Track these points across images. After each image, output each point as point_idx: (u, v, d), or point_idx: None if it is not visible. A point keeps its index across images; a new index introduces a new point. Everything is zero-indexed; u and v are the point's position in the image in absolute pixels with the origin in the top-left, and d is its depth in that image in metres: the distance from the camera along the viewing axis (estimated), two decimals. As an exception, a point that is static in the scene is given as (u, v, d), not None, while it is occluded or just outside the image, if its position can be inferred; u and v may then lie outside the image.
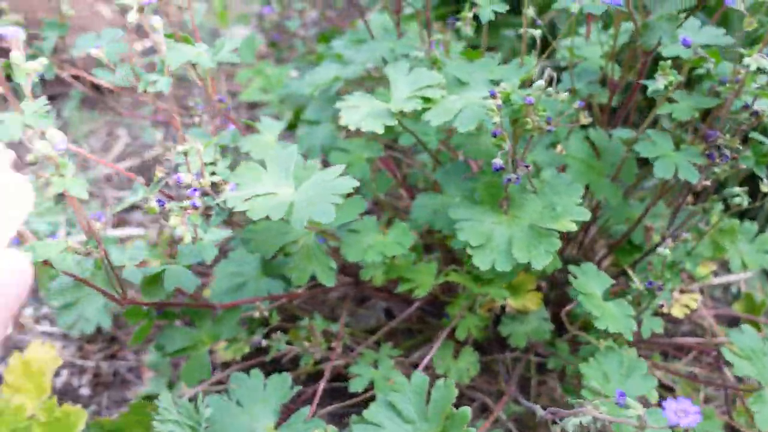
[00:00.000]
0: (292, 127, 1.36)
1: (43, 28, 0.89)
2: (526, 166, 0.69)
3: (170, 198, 0.68)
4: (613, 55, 0.85)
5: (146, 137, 1.45)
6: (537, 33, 0.76)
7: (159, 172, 0.62)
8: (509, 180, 0.69)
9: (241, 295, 0.89)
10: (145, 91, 0.66)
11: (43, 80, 0.79)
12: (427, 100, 0.74)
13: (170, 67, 0.66)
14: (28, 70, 0.36)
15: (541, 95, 0.66)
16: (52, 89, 1.54)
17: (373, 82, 1.04)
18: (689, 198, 0.90)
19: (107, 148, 1.46)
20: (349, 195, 0.65)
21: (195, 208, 0.51)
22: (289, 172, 0.68)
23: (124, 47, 0.83)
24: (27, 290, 0.35)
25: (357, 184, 0.65)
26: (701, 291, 1.36)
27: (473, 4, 0.80)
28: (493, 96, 0.66)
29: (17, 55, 0.37)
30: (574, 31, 0.91)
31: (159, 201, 0.58)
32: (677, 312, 0.91)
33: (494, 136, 0.66)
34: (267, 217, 0.62)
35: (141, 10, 0.60)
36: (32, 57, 0.84)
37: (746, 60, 0.64)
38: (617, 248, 0.98)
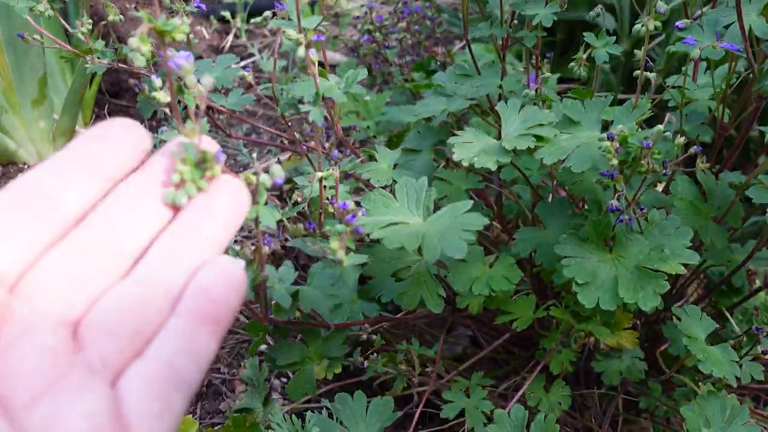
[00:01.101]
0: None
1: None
2: (642, 209, 0.70)
3: (300, 219, 0.72)
4: (724, 97, 0.85)
5: (242, 157, 1.51)
6: (652, 76, 0.77)
7: (296, 196, 0.65)
8: (621, 221, 0.70)
9: (337, 316, 0.92)
10: (282, 116, 0.70)
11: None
12: (539, 138, 0.76)
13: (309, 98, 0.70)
14: (198, 93, 0.40)
15: (660, 137, 0.67)
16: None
17: (475, 116, 1.06)
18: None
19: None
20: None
21: (357, 233, 0.54)
22: (420, 203, 0.70)
23: (233, 71, 0.88)
24: (240, 300, 0.35)
25: (487, 221, 0.66)
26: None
27: (588, 45, 0.81)
28: (610, 138, 0.67)
29: (191, 80, 0.40)
30: (679, 70, 0.91)
31: (309, 223, 0.61)
32: (779, 360, 0.89)
33: (611, 177, 0.67)
34: (402, 247, 0.64)
35: (309, 46, 0.64)
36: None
37: None
38: (716, 291, 0.97)
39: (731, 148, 0.90)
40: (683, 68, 0.82)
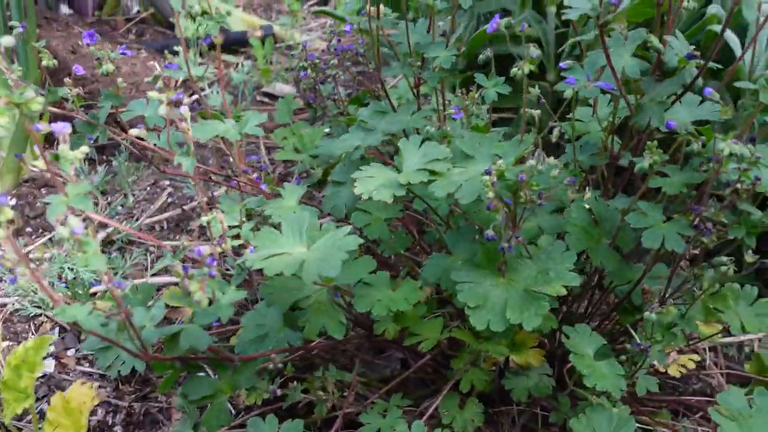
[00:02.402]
0: (322, 183, 1.45)
1: (100, 99, 1.01)
2: (517, 237, 0.76)
3: (195, 263, 0.77)
4: (612, 130, 0.92)
5: (187, 189, 1.55)
6: (536, 113, 0.84)
7: (185, 241, 0.70)
8: (502, 249, 0.76)
9: (264, 345, 0.97)
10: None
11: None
12: (433, 172, 0.82)
13: (200, 140, 0.75)
14: (72, 159, 0.45)
15: (534, 171, 0.74)
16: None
17: (393, 148, 1.12)
18: (684, 263, 0.95)
19: (152, 199, 1.58)
20: (371, 256, 0.72)
21: (212, 276, 0.59)
22: (302, 234, 0.76)
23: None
24: None
25: (361, 241, 0.72)
26: (714, 349, 1.39)
27: (480, 86, 0.88)
28: (488, 173, 0.73)
29: (64, 148, 0.45)
30: (578, 105, 0.98)
31: (184, 267, 0.67)
32: (674, 371, 0.95)
33: (488, 209, 0.73)
34: (281, 273, 0.70)
35: (179, 104, 0.70)
36: (88, 125, 0.95)
37: (720, 145, 0.70)
38: (620, 308, 1.03)
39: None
40: (571, 104, 0.89)
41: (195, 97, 2.09)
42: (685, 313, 0.94)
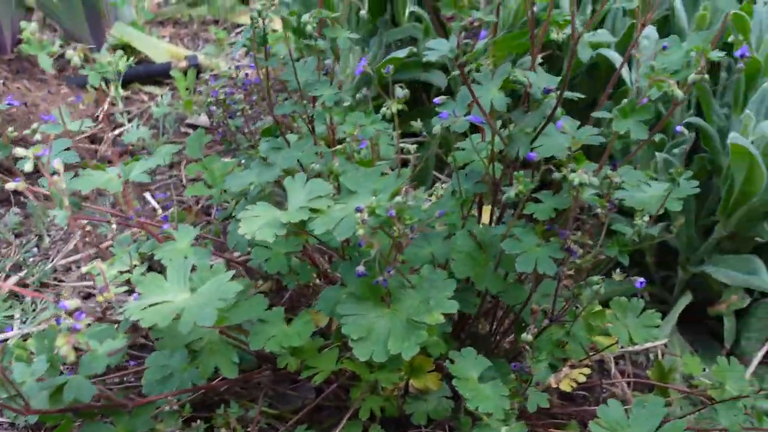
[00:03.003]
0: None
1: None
2: (389, 271, 0.79)
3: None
4: (492, 158, 0.96)
5: (103, 228, 1.55)
6: (412, 148, 0.88)
7: (64, 292, 0.71)
8: (377, 282, 0.79)
9: (169, 386, 0.98)
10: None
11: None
12: (314, 210, 0.84)
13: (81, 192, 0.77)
14: None
15: (404, 207, 0.77)
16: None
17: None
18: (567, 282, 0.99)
19: (68, 239, 1.57)
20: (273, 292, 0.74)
21: (77, 330, 0.60)
22: (186, 279, 0.78)
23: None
24: None
25: (241, 288, 0.75)
26: (623, 357, 1.45)
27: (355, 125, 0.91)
28: (359, 211, 0.76)
29: None
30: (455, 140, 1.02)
31: (57, 320, 0.68)
32: (565, 386, 0.99)
33: (359, 246, 0.76)
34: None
35: (38, 160, 0.71)
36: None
37: (571, 176, 0.75)
38: (516, 328, 1.07)
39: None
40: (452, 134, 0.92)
41: (117, 131, 2.07)
42: (569, 330, 0.99)
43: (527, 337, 0.85)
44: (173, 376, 0.99)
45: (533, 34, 0.87)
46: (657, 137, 1.31)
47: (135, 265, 0.89)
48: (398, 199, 0.76)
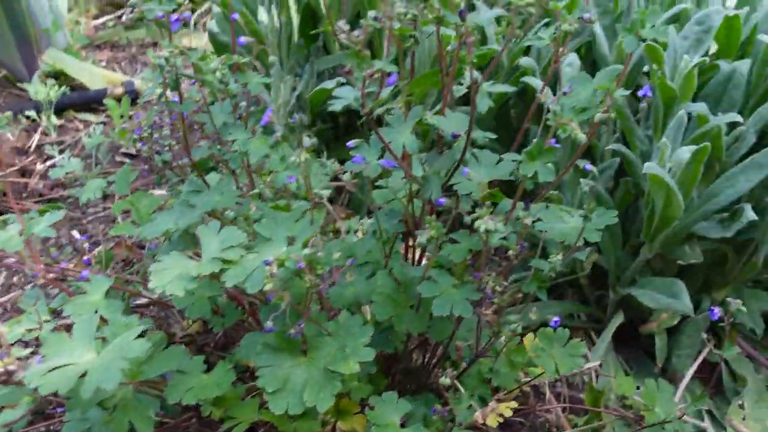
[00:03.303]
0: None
1: None
2: (300, 325, 0.78)
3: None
4: (410, 198, 0.96)
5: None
6: (325, 193, 0.87)
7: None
8: (289, 335, 0.78)
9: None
10: None
11: None
12: (226, 261, 0.83)
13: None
14: None
15: (314, 258, 0.76)
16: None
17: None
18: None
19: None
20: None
21: None
22: (92, 338, 0.76)
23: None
24: None
25: (148, 345, 0.72)
26: (560, 380, 1.46)
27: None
28: (267, 264, 0.75)
29: None
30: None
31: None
32: (492, 422, 0.99)
33: (269, 301, 0.75)
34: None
35: None
36: None
37: (477, 222, 0.75)
38: (443, 362, 1.08)
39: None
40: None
41: (49, 163, 2.02)
42: (493, 366, 0.99)
43: (445, 380, 0.85)
44: (92, 430, 0.96)
45: (443, 75, 0.88)
46: (582, 163, 1.33)
47: (46, 321, 0.86)
48: (306, 251, 0.75)
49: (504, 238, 0.86)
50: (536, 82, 1.33)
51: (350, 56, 0.71)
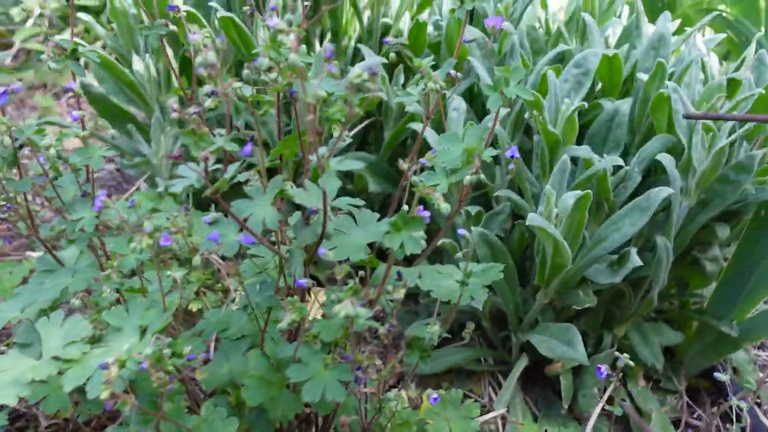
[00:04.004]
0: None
1: None
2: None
3: None
4: (281, 270, 0.90)
5: None
6: (178, 275, 0.80)
7: None
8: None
9: None
10: None
11: None
12: (67, 360, 0.74)
13: None
14: None
15: (160, 356, 0.69)
16: None
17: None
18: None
19: None
20: None
21: None
22: None
23: None
24: None
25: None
26: None
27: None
28: (104, 367, 0.67)
29: None
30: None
31: None
32: (383, 501, 0.94)
33: (110, 408, 0.67)
34: None
35: None
36: None
37: (336, 308, 0.69)
38: (333, 437, 1.01)
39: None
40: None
41: None
42: (379, 444, 0.93)
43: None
44: None
45: (302, 140, 0.82)
46: (474, 210, 1.30)
47: None
48: (147, 351, 0.67)
49: (378, 317, 0.80)
50: (427, 130, 1.29)
51: (186, 135, 0.65)
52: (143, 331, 0.78)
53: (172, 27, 0.86)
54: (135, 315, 0.80)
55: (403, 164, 0.78)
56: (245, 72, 0.78)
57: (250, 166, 0.87)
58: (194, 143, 0.66)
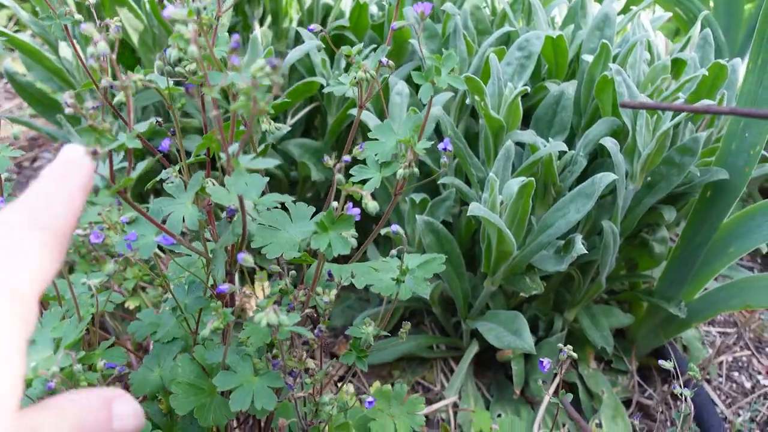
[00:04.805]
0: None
1: None
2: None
3: None
4: (208, 272, 0.85)
5: None
6: (93, 282, 0.75)
7: None
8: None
9: None
10: None
11: None
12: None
13: None
14: None
15: (71, 373, 0.64)
16: None
17: None
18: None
19: None
20: None
21: None
22: None
23: None
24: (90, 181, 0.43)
25: None
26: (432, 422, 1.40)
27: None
28: (7, 389, 0.63)
29: None
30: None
31: None
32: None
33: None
34: None
35: None
36: None
37: (258, 316, 0.65)
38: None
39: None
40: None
41: None
42: (317, 447, 0.90)
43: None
44: None
45: (223, 134, 0.77)
46: (418, 197, 1.27)
47: None
48: (54, 369, 0.63)
49: (312, 316, 0.77)
50: (367, 115, 1.25)
51: (84, 132, 0.60)
52: (58, 345, 0.73)
53: (78, 16, 0.80)
54: (48, 326, 0.75)
55: (330, 161, 0.74)
56: (157, 63, 0.73)
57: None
58: (94, 140, 0.61)
